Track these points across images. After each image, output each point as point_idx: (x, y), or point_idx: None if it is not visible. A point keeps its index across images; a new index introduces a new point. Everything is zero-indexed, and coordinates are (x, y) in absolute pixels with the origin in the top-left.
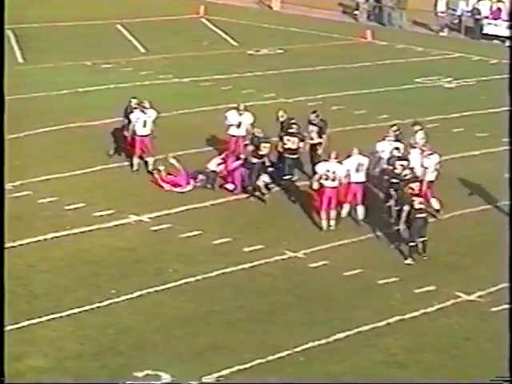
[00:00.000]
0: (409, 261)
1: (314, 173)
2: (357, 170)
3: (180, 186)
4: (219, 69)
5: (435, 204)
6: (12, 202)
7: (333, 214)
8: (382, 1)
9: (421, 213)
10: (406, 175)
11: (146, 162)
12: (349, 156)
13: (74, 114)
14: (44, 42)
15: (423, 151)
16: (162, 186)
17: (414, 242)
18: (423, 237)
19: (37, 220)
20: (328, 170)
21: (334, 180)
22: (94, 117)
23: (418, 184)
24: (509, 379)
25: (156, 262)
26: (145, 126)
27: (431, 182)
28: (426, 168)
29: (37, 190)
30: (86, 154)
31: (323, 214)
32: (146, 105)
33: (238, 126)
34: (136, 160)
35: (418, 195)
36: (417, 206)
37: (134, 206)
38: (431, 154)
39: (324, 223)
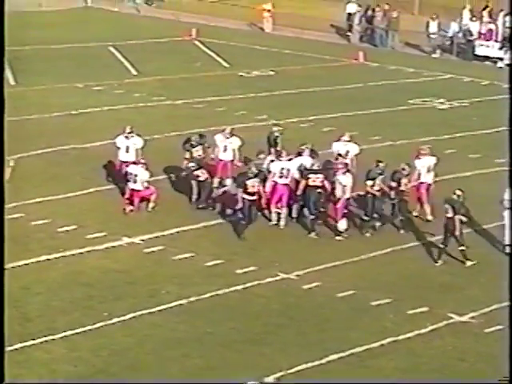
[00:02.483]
0: (312, 234)
1: (268, 172)
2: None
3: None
4: (212, 90)
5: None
6: (6, 224)
7: (284, 211)
8: (374, 22)
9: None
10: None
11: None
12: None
13: (66, 136)
14: (36, 64)
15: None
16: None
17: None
18: (462, 245)
19: (30, 242)
20: (282, 168)
21: (287, 177)
22: (87, 139)
23: (319, 176)
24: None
25: (149, 283)
26: (127, 151)
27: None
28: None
29: (30, 212)
30: (79, 176)
31: (273, 208)
32: (127, 129)
33: (225, 149)
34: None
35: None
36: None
37: (127, 228)
38: (290, 158)
39: (274, 216)
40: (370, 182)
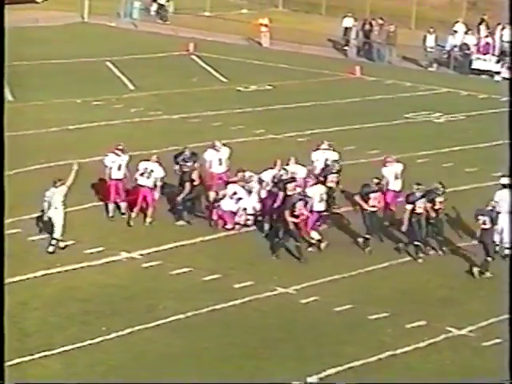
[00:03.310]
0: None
1: (261, 181)
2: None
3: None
4: (209, 105)
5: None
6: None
7: None
8: (371, 37)
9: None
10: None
11: (118, 206)
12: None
13: (64, 152)
14: (34, 79)
15: None
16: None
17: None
18: (490, 257)
19: (28, 257)
20: (274, 177)
21: None
22: (84, 154)
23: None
24: None
25: (146, 298)
26: (119, 169)
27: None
28: None
29: (28, 228)
30: (77, 192)
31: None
32: (120, 147)
33: (220, 163)
34: (111, 205)
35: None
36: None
37: (125, 243)
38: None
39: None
40: (409, 206)
